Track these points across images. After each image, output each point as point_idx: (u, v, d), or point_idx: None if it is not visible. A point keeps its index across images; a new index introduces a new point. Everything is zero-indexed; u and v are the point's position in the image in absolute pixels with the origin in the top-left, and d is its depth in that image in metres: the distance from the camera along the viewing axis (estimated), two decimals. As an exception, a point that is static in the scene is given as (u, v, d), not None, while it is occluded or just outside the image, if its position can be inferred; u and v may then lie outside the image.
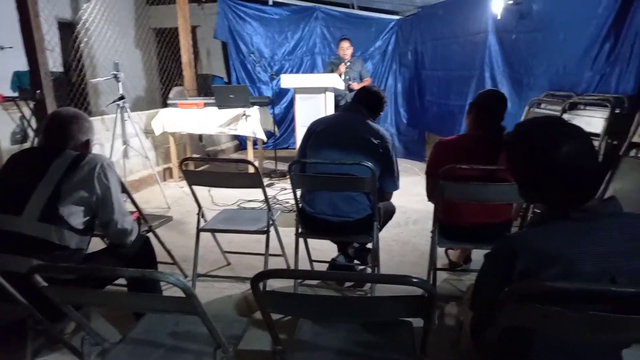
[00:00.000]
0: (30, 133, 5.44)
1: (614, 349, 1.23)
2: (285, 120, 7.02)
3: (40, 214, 1.62)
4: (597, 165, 1.15)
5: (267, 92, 6.80)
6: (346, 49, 5.42)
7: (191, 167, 5.49)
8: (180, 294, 1.10)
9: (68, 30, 6.52)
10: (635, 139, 2.86)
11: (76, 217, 1.68)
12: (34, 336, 1.49)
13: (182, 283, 1.09)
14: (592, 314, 1.03)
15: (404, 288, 1.11)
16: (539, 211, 3.01)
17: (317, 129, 2.48)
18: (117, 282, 2.02)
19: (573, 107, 3.40)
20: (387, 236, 3.52)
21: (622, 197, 2.91)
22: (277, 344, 1.29)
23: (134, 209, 2.55)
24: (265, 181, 5.25)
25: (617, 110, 3.04)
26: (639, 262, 1.06)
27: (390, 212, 2.75)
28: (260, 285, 1.09)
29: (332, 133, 2.44)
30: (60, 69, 6.11)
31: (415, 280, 1.07)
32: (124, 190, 2.30)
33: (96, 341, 1.37)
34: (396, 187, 2.49)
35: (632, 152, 2.90)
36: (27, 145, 5.40)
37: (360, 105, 2.52)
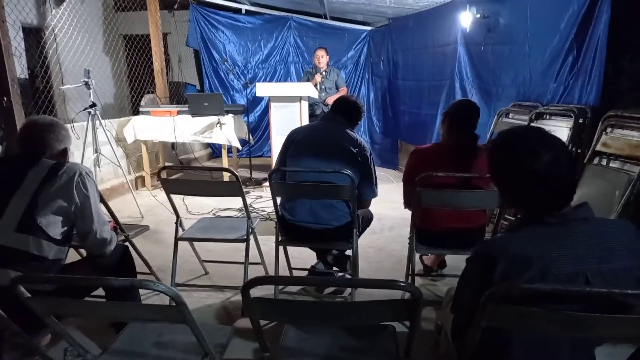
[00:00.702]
0: (-5, 141, 5.26)
1: (587, 347, 1.30)
2: (259, 128, 7.01)
3: (17, 225, 1.58)
4: (573, 174, 1.22)
5: (241, 100, 6.79)
6: (321, 57, 5.45)
7: (164, 175, 5.41)
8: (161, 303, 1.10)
9: (33, 35, 6.35)
10: (599, 148, 3.01)
11: (55, 227, 1.65)
12: (10, 349, 1.44)
13: (172, 291, 1.09)
14: (564, 313, 1.09)
15: (383, 293, 1.13)
16: (510, 217, 3.12)
17: (297, 138, 2.51)
18: (93, 293, 1.98)
19: (539, 117, 3.56)
20: (364, 243, 3.56)
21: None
22: (264, 351, 1.30)
23: (110, 219, 2.50)
24: (240, 189, 5.25)
25: (581, 120, 3.20)
26: (609, 265, 1.14)
27: (368, 219, 2.80)
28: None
29: (311, 142, 2.48)
30: (25, 75, 5.92)
31: (402, 284, 1.10)
32: (102, 199, 2.25)
33: (79, 352, 1.35)
34: (374, 195, 2.55)
35: (596, 160, 3.06)
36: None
37: (339, 114, 2.57)
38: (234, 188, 2.39)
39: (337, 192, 2.32)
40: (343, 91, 5.56)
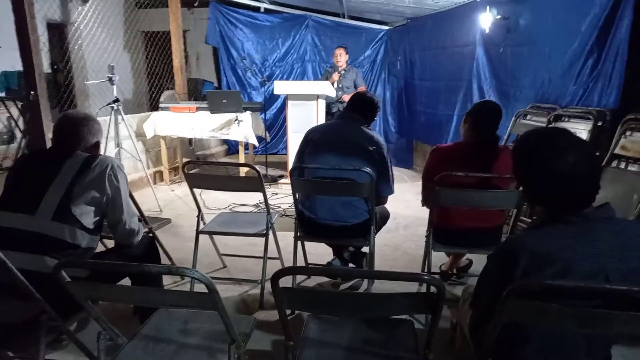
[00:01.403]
0: (18, 134, 5.39)
1: (604, 345, 1.32)
2: (275, 125, 7.08)
3: (53, 214, 1.65)
4: (597, 176, 1.25)
5: (257, 98, 6.86)
6: (339, 55, 5.48)
7: (188, 170, 5.50)
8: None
9: (56, 31, 6.48)
10: (617, 151, 3.01)
11: (88, 216, 1.72)
12: (47, 333, 1.52)
13: (206, 279, 1.15)
14: (583, 309, 1.12)
15: (400, 289, 1.17)
16: (526, 219, 3.11)
17: (314, 137, 2.54)
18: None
19: (557, 119, 3.56)
20: (379, 241, 3.58)
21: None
22: (289, 340, 1.34)
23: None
24: (257, 185, 5.32)
25: (600, 123, 3.20)
26: (629, 263, 1.16)
27: (385, 217, 2.83)
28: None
29: (329, 140, 2.51)
30: (48, 70, 6.06)
31: (426, 277, 1.14)
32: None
33: (111, 337, 1.41)
34: (391, 191, 2.57)
35: (614, 163, 3.06)
36: (14, 145, 5.34)
37: (355, 112, 2.59)
38: (256, 184, 2.45)
39: (357, 189, 2.36)
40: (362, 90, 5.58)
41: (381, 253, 3.45)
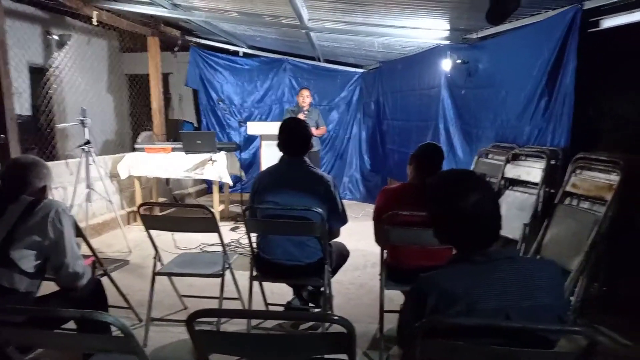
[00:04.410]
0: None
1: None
2: (253, 164, 7.16)
3: (-10, 258, 1.68)
4: (497, 215, 1.31)
5: (237, 138, 6.98)
6: (306, 97, 5.60)
7: (156, 211, 5.52)
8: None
9: (39, 74, 6.63)
10: (568, 189, 3.11)
11: (27, 260, 1.74)
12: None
13: (120, 323, 1.17)
14: (489, 347, 1.16)
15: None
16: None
17: (264, 180, 2.57)
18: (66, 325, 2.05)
19: (515, 157, 3.68)
20: (345, 279, 3.62)
21: (557, 242, 3.13)
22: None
23: (91, 253, 2.59)
24: (231, 224, 5.34)
25: (553, 162, 3.31)
26: (530, 302, 1.21)
27: (344, 256, 2.86)
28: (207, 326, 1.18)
29: (277, 182, 2.51)
30: (29, 112, 6.15)
31: (335, 317, 1.18)
32: (80, 234, 2.35)
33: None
34: (343, 223, 2.60)
35: (567, 201, 3.15)
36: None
37: (294, 155, 2.56)
38: (210, 224, 2.49)
39: (308, 228, 2.40)
40: (322, 130, 5.72)
41: (346, 292, 3.46)
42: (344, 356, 1.23)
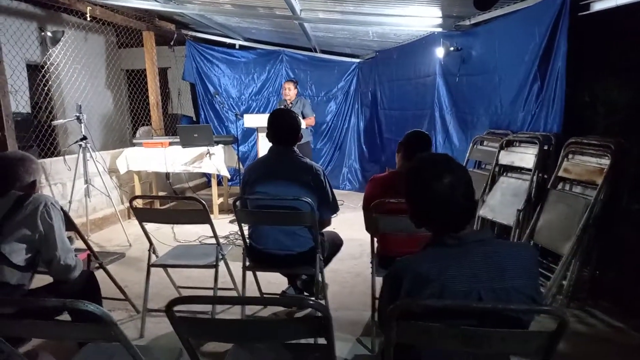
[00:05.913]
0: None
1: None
2: (252, 157, 7.20)
3: (-19, 252, 1.71)
4: (470, 199, 1.33)
5: (235, 131, 7.00)
6: (288, 90, 5.51)
7: (157, 205, 5.57)
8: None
9: (37, 71, 6.66)
10: (561, 174, 3.11)
11: (18, 254, 1.78)
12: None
13: (101, 311, 1.20)
14: (462, 328, 1.18)
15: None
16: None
17: (253, 171, 2.60)
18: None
19: (509, 144, 3.67)
20: (342, 268, 3.66)
21: (550, 226, 3.13)
22: (198, 369, 1.39)
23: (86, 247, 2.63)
24: (230, 217, 5.37)
25: (546, 147, 3.31)
26: (502, 283, 1.23)
27: (337, 244, 2.89)
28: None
29: (267, 173, 2.54)
30: (28, 109, 6.20)
31: (311, 302, 1.21)
32: (74, 228, 2.39)
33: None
34: (333, 213, 2.62)
35: (559, 186, 3.16)
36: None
37: (281, 144, 2.58)
38: (202, 216, 2.51)
39: (298, 218, 2.43)
40: (309, 120, 5.55)
41: (342, 280, 3.50)
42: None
